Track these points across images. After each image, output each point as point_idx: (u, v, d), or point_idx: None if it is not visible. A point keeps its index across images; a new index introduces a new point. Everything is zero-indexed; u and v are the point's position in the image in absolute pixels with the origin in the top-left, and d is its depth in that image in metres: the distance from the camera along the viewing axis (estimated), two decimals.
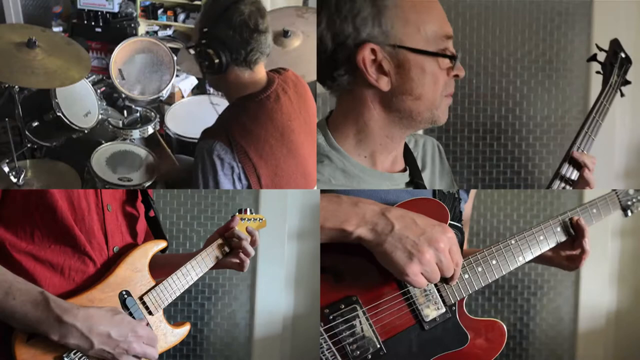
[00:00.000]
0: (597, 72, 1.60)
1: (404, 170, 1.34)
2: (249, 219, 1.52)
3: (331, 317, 1.17)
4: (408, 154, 1.38)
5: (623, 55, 1.58)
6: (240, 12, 1.54)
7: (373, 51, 1.16)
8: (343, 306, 1.18)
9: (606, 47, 1.61)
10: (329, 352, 1.16)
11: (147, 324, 1.28)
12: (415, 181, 1.34)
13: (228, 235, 1.45)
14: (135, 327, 1.20)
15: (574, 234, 1.37)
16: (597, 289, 2.67)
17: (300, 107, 1.69)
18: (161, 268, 1.39)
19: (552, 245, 1.35)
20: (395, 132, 1.26)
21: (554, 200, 2.62)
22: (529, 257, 1.32)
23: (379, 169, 1.28)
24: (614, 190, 1.48)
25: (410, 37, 1.16)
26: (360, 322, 1.18)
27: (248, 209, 1.53)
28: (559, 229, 1.36)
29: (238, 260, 1.45)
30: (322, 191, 1.25)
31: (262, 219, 1.56)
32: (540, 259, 1.37)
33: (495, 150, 2.48)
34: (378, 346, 1.18)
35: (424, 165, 1.44)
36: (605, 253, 2.64)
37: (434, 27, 1.18)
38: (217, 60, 1.56)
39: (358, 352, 1.17)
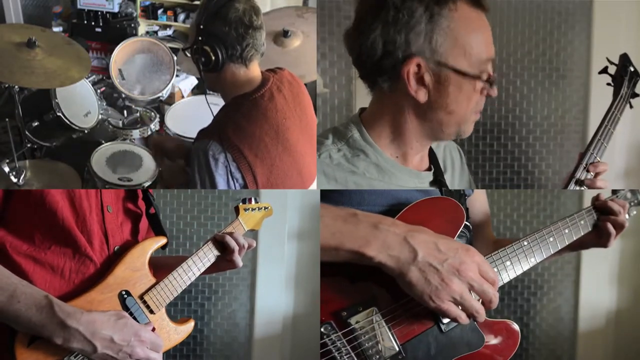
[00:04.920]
0: (608, 84, 1.65)
1: (429, 169, 1.38)
2: (253, 209, 1.49)
3: (349, 321, 1.15)
4: (431, 154, 1.41)
5: (632, 69, 1.63)
6: (235, 9, 1.58)
7: (418, 65, 1.20)
8: (361, 309, 1.16)
9: (614, 59, 1.65)
10: (347, 357, 1.13)
11: (153, 329, 1.26)
12: (439, 180, 1.37)
13: (218, 238, 1.39)
14: (138, 332, 1.19)
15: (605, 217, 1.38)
16: (597, 289, 2.67)
17: (295, 105, 1.71)
18: (159, 269, 1.37)
19: (578, 236, 1.37)
20: (425, 139, 1.31)
21: (554, 200, 2.62)
22: (555, 248, 1.33)
23: (409, 167, 1.32)
24: (614, 190, 1.50)
25: (455, 58, 1.21)
26: (379, 325, 1.16)
27: (253, 198, 1.50)
28: (585, 221, 1.38)
29: (229, 260, 1.42)
30: (322, 192, 1.25)
31: (267, 207, 1.54)
32: (572, 246, 1.38)
33: (495, 150, 2.47)
34: (397, 349, 1.16)
35: (445, 167, 1.47)
36: (606, 253, 2.64)
37: (479, 51, 1.23)
38: (213, 57, 1.59)
39: (377, 357, 1.15)
